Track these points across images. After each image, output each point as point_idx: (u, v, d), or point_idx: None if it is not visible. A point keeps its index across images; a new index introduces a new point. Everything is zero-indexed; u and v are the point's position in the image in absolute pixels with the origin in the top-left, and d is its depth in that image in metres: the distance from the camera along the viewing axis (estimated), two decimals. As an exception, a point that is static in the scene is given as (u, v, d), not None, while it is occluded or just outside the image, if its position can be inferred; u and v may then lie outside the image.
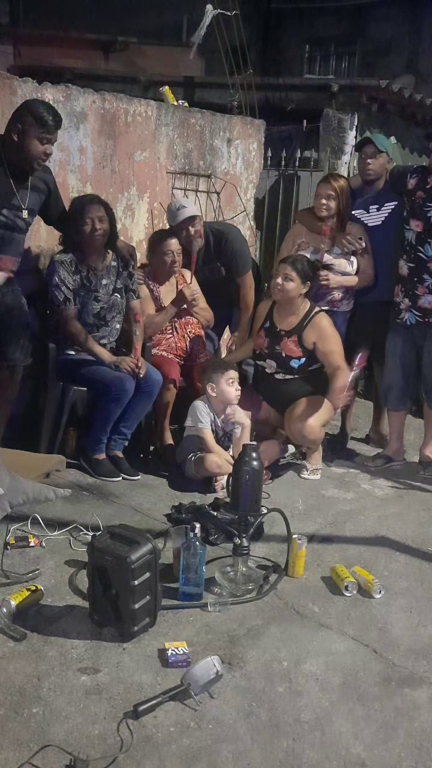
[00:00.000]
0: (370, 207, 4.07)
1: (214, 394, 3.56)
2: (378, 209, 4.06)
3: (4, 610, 2.32)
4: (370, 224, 4.07)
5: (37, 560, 2.73)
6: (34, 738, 1.86)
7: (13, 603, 2.34)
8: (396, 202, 3.98)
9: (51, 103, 3.45)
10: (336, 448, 4.18)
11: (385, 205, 4.04)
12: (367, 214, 4.08)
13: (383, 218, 4.04)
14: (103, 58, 9.71)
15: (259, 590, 2.63)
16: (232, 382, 3.56)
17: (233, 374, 3.59)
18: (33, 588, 2.45)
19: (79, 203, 3.53)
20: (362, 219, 4.08)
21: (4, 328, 3.33)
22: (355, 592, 2.66)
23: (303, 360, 3.74)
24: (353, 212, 4.06)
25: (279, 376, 3.81)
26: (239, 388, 3.60)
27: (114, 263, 3.66)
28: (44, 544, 2.83)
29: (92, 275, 3.58)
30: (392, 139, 6.81)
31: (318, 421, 3.71)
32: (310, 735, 1.96)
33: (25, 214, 3.23)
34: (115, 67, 9.14)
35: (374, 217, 4.07)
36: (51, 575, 2.64)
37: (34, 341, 3.51)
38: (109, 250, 3.64)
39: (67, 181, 3.95)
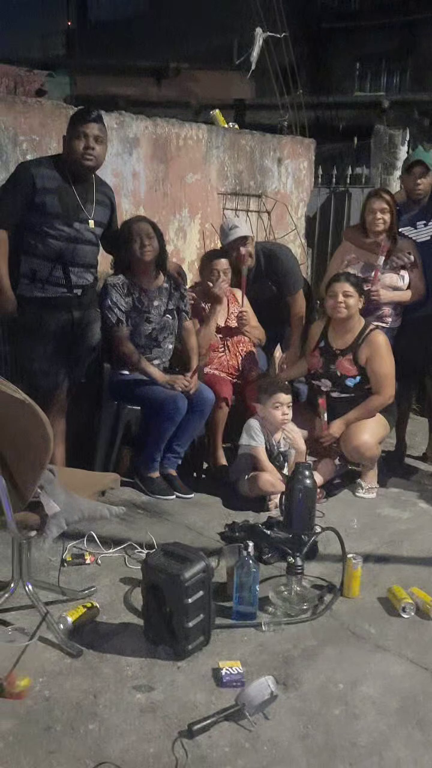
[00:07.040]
0: (417, 223, 4.05)
1: (261, 415, 3.54)
2: (425, 224, 4.02)
3: (61, 626, 2.36)
4: (419, 240, 4.03)
5: (92, 577, 2.77)
6: (90, 754, 1.88)
7: (70, 619, 2.38)
8: None
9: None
10: (392, 465, 4.11)
11: None
12: (415, 231, 4.06)
13: (431, 233, 4.01)
14: (156, 84, 9.94)
15: (314, 610, 2.60)
16: (278, 407, 3.51)
17: (282, 398, 3.52)
18: (89, 605, 2.48)
19: (127, 224, 3.60)
20: (410, 235, 4.05)
21: (77, 349, 3.42)
22: (413, 613, 2.60)
23: (358, 378, 3.71)
24: (401, 229, 4.04)
25: (335, 395, 3.78)
26: (287, 412, 3.55)
27: (166, 285, 3.72)
28: (100, 562, 2.87)
29: (144, 297, 3.64)
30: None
31: (374, 438, 3.67)
32: (367, 760, 1.92)
33: (91, 224, 3.27)
34: (167, 93, 9.36)
35: (423, 232, 4.04)
36: (106, 592, 2.67)
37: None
38: (160, 272, 3.70)
39: (121, 206, 4.04)
